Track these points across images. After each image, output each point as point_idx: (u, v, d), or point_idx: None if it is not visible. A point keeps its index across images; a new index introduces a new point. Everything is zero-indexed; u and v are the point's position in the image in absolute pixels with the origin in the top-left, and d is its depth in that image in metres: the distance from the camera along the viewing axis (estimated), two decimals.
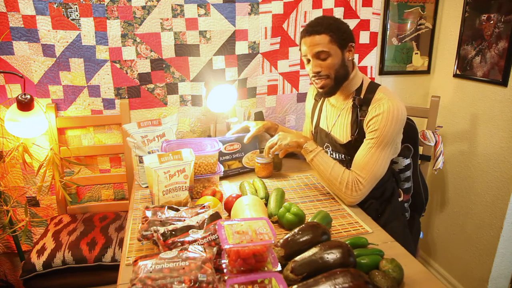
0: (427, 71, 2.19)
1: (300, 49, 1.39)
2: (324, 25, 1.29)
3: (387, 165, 1.34)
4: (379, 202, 1.44)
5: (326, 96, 1.46)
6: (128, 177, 1.85)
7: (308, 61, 1.37)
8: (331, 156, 1.48)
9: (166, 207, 1.13)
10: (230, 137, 1.61)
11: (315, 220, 1.12)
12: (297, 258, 0.92)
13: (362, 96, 1.37)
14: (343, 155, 1.45)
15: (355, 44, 1.36)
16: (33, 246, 1.60)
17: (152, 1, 1.67)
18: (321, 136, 1.53)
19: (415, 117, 1.75)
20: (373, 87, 1.37)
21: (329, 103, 1.51)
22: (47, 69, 1.67)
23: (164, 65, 1.78)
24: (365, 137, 1.34)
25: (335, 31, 1.30)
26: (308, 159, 1.40)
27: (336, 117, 1.45)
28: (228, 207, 1.27)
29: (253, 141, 1.66)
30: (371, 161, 1.30)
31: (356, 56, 2.03)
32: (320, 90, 1.40)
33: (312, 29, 1.31)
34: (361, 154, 1.32)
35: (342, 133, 1.43)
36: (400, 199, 1.54)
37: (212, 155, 1.40)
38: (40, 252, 1.52)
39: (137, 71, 1.76)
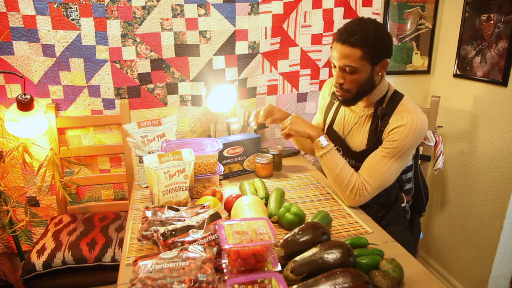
0: (427, 71, 2.19)
1: (331, 47, 1.32)
2: (361, 38, 1.16)
3: (396, 176, 1.31)
4: (381, 207, 1.43)
5: (345, 105, 1.40)
6: (128, 177, 1.85)
7: (335, 66, 1.27)
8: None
9: (166, 207, 1.13)
10: (233, 140, 1.60)
11: (315, 220, 1.12)
12: (297, 258, 0.92)
13: (384, 106, 1.30)
14: (353, 161, 1.41)
15: (390, 59, 1.24)
16: (33, 246, 1.60)
17: (152, 1, 1.67)
18: (333, 138, 1.45)
19: None
20: (397, 97, 1.30)
21: (348, 108, 1.44)
22: (47, 69, 1.67)
23: (164, 65, 1.78)
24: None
25: (371, 46, 1.17)
26: (317, 154, 1.35)
27: (353, 124, 1.40)
28: (228, 207, 1.27)
29: (255, 144, 1.66)
30: (382, 170, 1.26)
31: None
32: (340, 98, 1.33)
33: (346, 38, 1.17)
34: (373, 161, 1.28)
35: (358, 141, 1.38)
36: (402, 205, 1.53)
37: (212, 155, 1.40)
38: (40, 252, 1.52)
39: (137, 71, 1.76)
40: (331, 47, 1.34)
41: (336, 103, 1.52)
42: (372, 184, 1.28)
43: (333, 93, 1.53)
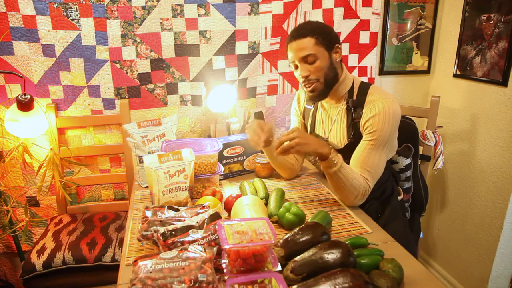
0: (427, 71, 2.19)
1: (287, 57, 1.36)
2: (308, 29, 1.28)
3: (384, 165, 1.33)
4: (379, 202, 1.44)
5: (317, 100, 1.41)
6: (128, 177, 1.85)
7: (296, 67, 1.33)
8: None
9: (166, 207, 1.13)
10: (233, 140, 1.60)
11: (315, 220, 1.12)
12: (297, 258, 0.92)
13: (355, 98, 1.35)
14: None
15: (340, 45, 1.34)
16: (33, 246, 1.60)
17: (152, 1, 1.67)
18: None
19: (415, 117, 1.75)
20: (365, 87, 1.35)
21: (322, 108, 1.47)
22: (47, 69, 1.67)
23: (164, 65, 1.78)
24: (361, 138, 1.32)
25: (320, 33, 1.28)
26: (330, 171, 1.26)
27: (332, 123, 1.43)
28: (228, 207, 1.27)
29: None
30: (374, 163, 1.28)
31: (356, 56, 2.03)
32: (311, 94, 1.35)
33: (297, 33, 1.29)
34: (362, 157, 1.29)
35: (339, 138, 1.41)
36: (400, 198, 1.54)
37: (212, 155, 1.40)
38: (40, 252, 1.52)
39: (137, 71, 1.76)
40: (287, 57, 1.36)
41: (312, 110, 1.52)
42: (369, 180, 1.29)
43: (307, 99, 1.52)
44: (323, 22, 1.35)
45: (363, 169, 1.29)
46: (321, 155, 1.24)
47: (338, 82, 1.35)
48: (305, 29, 1.28)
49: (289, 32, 1.87)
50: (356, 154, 1.32)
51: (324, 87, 1.32)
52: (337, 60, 1.33)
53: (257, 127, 1.36)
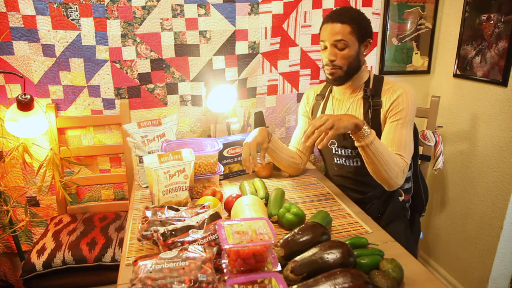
0: (427, 71, 2.19)
1: (319, 34, 1.40)
2: (348, 16, 1.32)
3: (413, 143, 1.36)
4: (380, 202, 1.44)
5: (334, 84, 1.45)
6: (128, 177, 1.85)
7: (325, 47, 1.37)
8: (337, 153, 1.47)
9: (166, 207, 1.13)
10: (233, 140, 1.60)
11: (315, 220, 1.12)
12: (297, 258, 0.92)
13: (371, 87, 1.40)
14: (350, 150, 1.43)
15: (372, 40, 1.38)
16: (33, 246, 1.60)
17: (152, 1, 1.67)
18: None
19: (415, 117, 1.74)
20: (380, 79, 1.43)
21: (334, 99, 1.51)
22: (47, 69, 1.67)
23: (164, 65, 1.78)
24: (377, 127, 1.36)
25: (357, 23, 1.32)
26: (366, 142, 1.21)
27: (345, 111, 1.45)
28: (228, 207, 1.27)
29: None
30: (407, 139, 1.32)
31: None
32: (330, 77, 1.40)
33: (336, 16, 1.32)
34: (394, 135, 1.32)
35: None
36: (401, 198, 1.54)
37: (212, 155, 1.40)
38: (40, 252, 1.52)
39: (137, 71, 1.76)
40: (319, 33, 1.40)
41: (322, 103, 1.55)
42: (406, 156, 1.31)
43: (318, 94, 1.59)
44: (363, 13, 1.38)
45: (397, 146, 1.30)
46: (357, 125, 1.20)
47: (358, 73, 1.40)
48: (345, 16, 1.31)
49: (289, 32, 1.87)
50: (388, 135, 1.34)
51: (344, 74, 1.38)
52: (364, 53, 1.39)
53: (250, 152, 1.37)
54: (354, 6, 1.93)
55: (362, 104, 1.41)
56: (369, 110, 1.38)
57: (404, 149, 1.30)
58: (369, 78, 1.43)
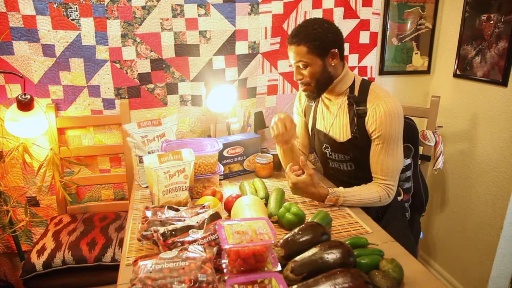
0: (427, 71, 2.19)
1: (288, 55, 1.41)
2: (302, 36, 1.29)
3: (403, 156, 1.37)
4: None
5: (311, 99, 1.48)
6: (128, 177, 1.85)
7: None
8: (331, 157, 1.48)
9: (166, 207, 1.13)
10: (233, 140, 1.60)
11: (315, 220, 1.12)
12: (297, 258, 0.92)
13: (356, 94, 1.38)
14: (342, 155, 1.44)
15: (339, 48, 1.33)
16: (33, 246, 1.60)
17: (152, 1, 1.67)
18: (319, 137, 1.51)
19: (415, 117, 1.75)
20: (366, 84, 1.39)
21: (323, 104, 1.49)
22: (47, 69, 1.67)
23: (164, 65, 1.78)
24: (365, 134, 1.35)
25: (313, 41, 1.28)
26: (337, 204, 1.34)
27: (333, 118, 1.45)
28: (228, 207, 1.27)
29: (255, 144, 1.66)
30: (390, 162, 1.32)
31: (356, 56, 2.03)
32: (304, 93, 1.42)
33: (291, 39, 1.33)
34: (377, 160, 1.34)
35: (341, 132, 1.42)
36: (400, 198, 1.54)
37: (212, 155, 1.40)
38: (40, 252, 1.52)
39: (137, 71, 1.76)
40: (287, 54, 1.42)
41: (313, 107, 1.56)
42: (391, 179, 1.34)
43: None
44: (321, 23, 1.33)
45: (380, 171, 1.34)
46: (320, 198, 1.33)
47: (333, 83, 1.38)
48: (299, 37, 1.30)
49: (289, 32, 1.87)
50: (372, 157, 1.36)
51: (316, 89, 1.38)
52: (333, 64, 1.34)
53: (285, 123, 1.40)
54: (354, 7, 1.93)
55: (348, 111, 1.39)
56: (355, 118, 1.37)
57: (386, 174, 1.33)
58: (353, 83, 1.39)
